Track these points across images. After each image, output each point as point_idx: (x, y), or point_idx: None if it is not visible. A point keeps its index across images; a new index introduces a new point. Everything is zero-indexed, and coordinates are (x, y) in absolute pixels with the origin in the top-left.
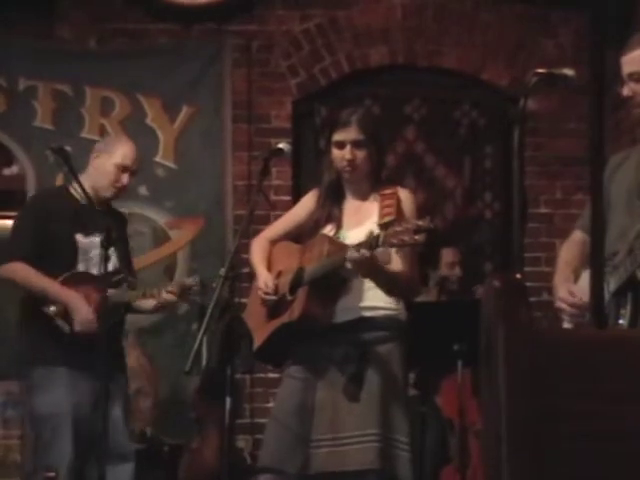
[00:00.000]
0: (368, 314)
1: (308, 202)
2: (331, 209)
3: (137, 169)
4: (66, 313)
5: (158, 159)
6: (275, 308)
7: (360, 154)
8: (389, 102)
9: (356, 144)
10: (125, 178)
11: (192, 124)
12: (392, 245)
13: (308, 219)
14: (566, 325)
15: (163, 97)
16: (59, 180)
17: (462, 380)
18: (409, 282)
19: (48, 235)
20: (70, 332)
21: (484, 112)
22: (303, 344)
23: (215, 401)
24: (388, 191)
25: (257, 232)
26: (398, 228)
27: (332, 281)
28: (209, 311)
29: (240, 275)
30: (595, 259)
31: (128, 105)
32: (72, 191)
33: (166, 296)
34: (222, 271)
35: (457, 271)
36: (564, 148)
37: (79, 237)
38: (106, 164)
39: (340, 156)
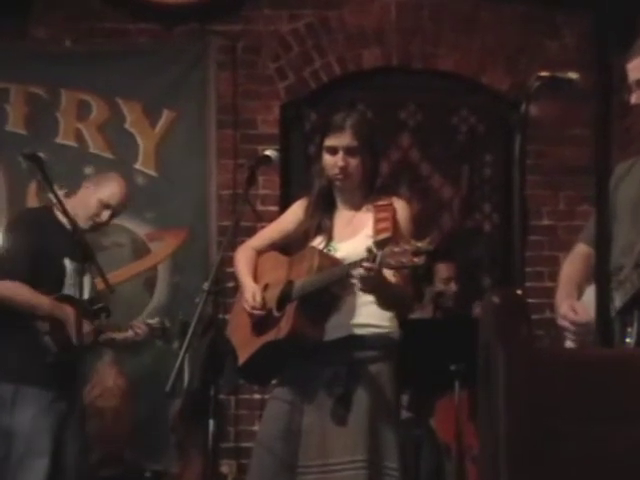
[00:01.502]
0: (359, 332)
1: (297, 211)
2: (321, 219)
3: (120, 211)
4: (56, 333)
5: (138, 166)
6: (261, 324)
7: (353, 161)
8: (382, 107)
9: (349, 151)
10: (105, 215)
11: (174, 129)
12: (389, 266)
13: (297, 229)
14: (569, 344)
15: (143, 101)
16: (32, 189)
17: (459, 402)
18: (407, 297)
19: (43, 254)
20: (56, 353)
21: (483, 118)
22: (290, 363)
23: (197, 424)
24: (383, 202)
25: (242, 244)
26: (396, 249)
27: (323, 297)
28: (191, 328)
29: (224, 290)
30: (600, 274)
31: (106, 109)
32: (57, 214)
33: (138, 331)
34: (205, 285)
35: (452, 287)
36: (568, 156)
37: (67, 262)
38: (91, 197)
39: (332, 163)
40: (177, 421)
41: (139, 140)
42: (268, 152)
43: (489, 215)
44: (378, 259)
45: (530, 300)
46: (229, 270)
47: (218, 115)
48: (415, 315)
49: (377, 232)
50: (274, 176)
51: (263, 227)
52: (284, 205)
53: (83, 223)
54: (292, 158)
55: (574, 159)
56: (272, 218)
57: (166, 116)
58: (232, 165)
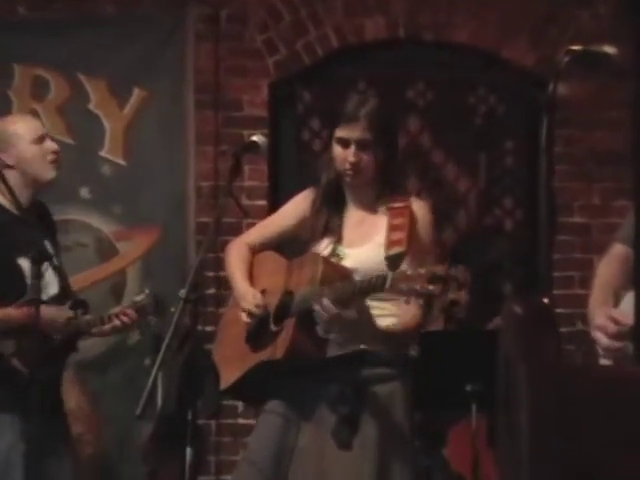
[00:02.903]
0: (371, 347)
1: (301, 204)
2: (329, 218)
3: (51, 134)
4: (24, 351)
5: (104, 154)
6: (255, 338)
7: (366, 156)
8: (387, 85)
9: (362, 144)
10: (50, 144)
11: (146, 111)
12: (400, 292)
13: (299, 225)
14: (604, 361)
15: (110, 78)
16: None
17: (476, 427)
18: (405, 335)
19: None
20: (28, 374)
21: (504, 98)
22: (288, 381)
23: (172, 452)
24: (399, 204)
25: (225, 244)
26: (410, 272)
27: None
28: (166, 342)
29: (204, 297)
30: None
31: (67, 87)
32: (1, 199)
33: (125, 319)
34: (182, 292)
35: (463, 295)
36: (602, 143)
37: (21, 261)
38: (21, 149)
39: (342, 156)
40: (149, 449)
41: (105, 123)
42: (255, 138)
43: (511, 211)
44: (388, 282)
45: (558, 310)
46: (210, 274)
47: (197, 95)
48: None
49: (390, 244)
50: (262, 165)
51: (249, 224)
52: (274, 199)
53: (47, 172)
54: (283, 145)
55: (609, 146)
56: (260, 214)
57: (136, 95)
58: (213, 153)
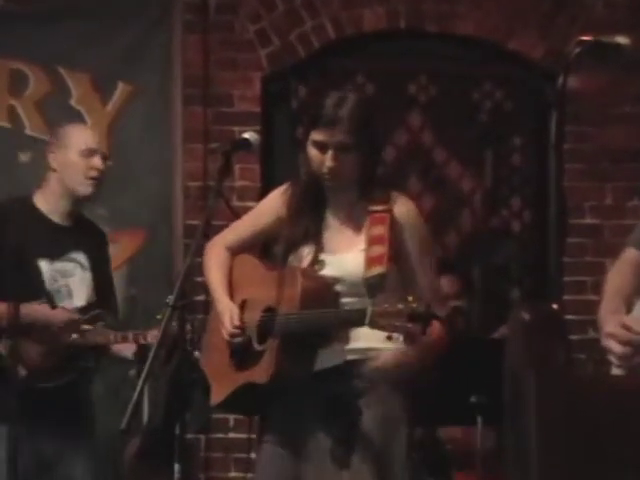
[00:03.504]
0: (360, 357)
1: (276, 201)
2: (309, 222)
3: (106, 153)
4: (19, 352)
5: None
6: (240, 355)
7: (347, 160)
8: (388, 79)
9: (343, 148)
10: (97, 161)
11: (130, 107)
12: (380, 328)
13: (274, 224)
14: (616, 371)
15: (92, 71)
16: None
17: (482, 441)
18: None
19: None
20: (26, 377)
21: (511, 92)
22: (278, 401)
23: (159, 468)
24: (379, 207)
25: None
26: (390, 308)
27: (311, 337)
28: (152, 351)
29: (193, 304)
30: None
31: (46, 81)
32: (36, 203)
33: (152, 340)
34: (170, 299)
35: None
36: (615, 140)
37: (43, 263)
38: (68, 157)
39: (319, 160)
40: (134, 465)
41: (88, 120)
42: (247, 135)
43: (519, 212)
44: (367, 318)
45: (569, 317)
46: (199, 280)
47: (185, 89)
48: None
49: (369, 262)
50: (254, 164)
51: None
52: None
53: (83, 188)
54: (276, 142)
55: (623, 143)
56: None
57: (121, 90)
58: (202, 151)
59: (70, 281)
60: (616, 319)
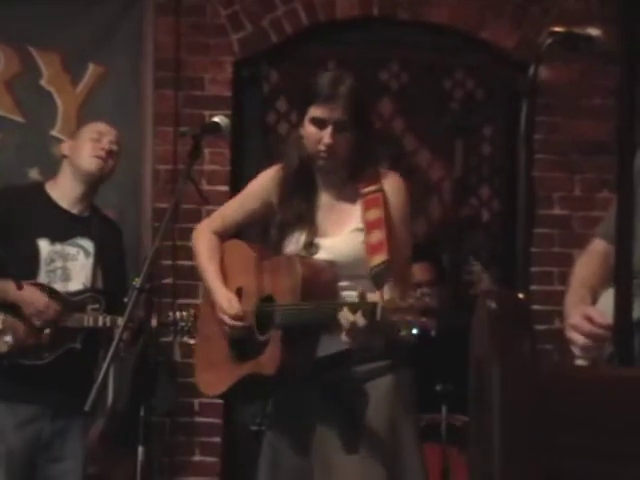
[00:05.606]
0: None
1: (266, 185)
2: (301, 207)
3: (118, 147)
4: (4, 330)
5: (55, 133)
6: (240, 345)
7: (342, 138)
8: (359, 66)
9: (341, 125)
10: (105, 142)
11: (101, 88)
12: (392, 324)
13: (264, 208)
14: (579, 362)
15: (63, 52)
16: None
17: (446, 432)
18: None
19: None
20: (10, 349)
21: (483, 82)
22: (281, 390)
23: (123, 451)
24: (371, 187)
25: (183, 231)
26: (403, 304)
27: (312, 329)
28: (118, 334)
29: (160, 287)
30: (621, 276)
31: (16, 61)
32: (49, 190)
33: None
34: (136, 282)
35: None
36: (585, 131)
37: (42, 243)
38: (79, 143)
39: (316, 137)
40: (97, 447)
41: (57, 101)
42: (217, 119)
43: (488, 201)
44: (378, 314)
45: (535, 307)
46: (166, 263)
47: (156, 72)
48: None
49: (371, 251)
50: (224, 148)
51: (209, 211)
52: (236, 184)
53: (88, 165)
54: (246, 127)
55: (593, 135)
56: (220, 200)
57: (91, 71)
58: (172, 134)
59: (70, 265)
60: (580, 310)
